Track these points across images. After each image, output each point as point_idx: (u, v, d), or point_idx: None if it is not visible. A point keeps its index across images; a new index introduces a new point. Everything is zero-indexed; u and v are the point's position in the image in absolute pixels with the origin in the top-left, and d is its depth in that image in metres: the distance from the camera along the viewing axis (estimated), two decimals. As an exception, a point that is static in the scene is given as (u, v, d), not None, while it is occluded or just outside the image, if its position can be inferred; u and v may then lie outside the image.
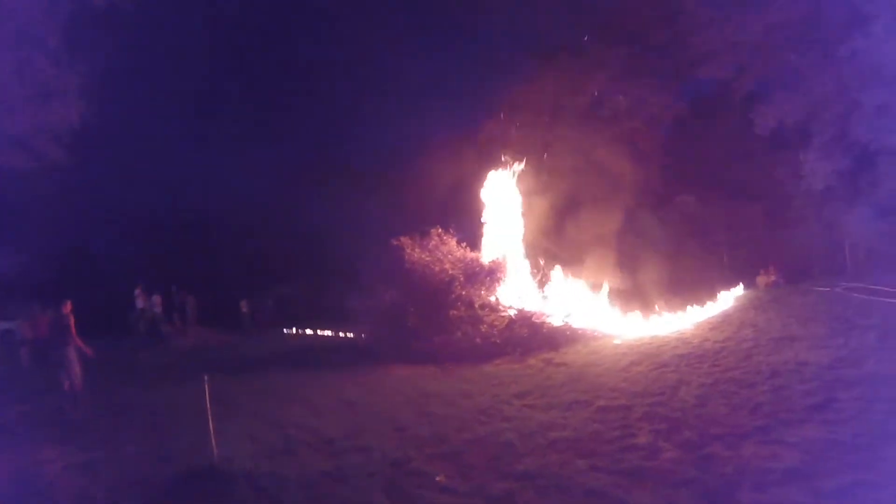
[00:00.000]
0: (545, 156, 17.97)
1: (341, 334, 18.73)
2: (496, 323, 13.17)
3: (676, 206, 17.71)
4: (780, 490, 4.02)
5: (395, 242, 14.55)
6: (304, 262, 31.16)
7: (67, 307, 9.87)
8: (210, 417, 6.27)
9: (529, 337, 12.30)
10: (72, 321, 9.84)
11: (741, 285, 16.01)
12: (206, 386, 6.48)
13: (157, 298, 22.72)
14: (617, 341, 11.73)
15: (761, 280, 17.46)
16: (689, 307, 14.43)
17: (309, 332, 21.07)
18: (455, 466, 5.42)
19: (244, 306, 28.55)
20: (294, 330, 22.15)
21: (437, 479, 5.15)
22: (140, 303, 22.33)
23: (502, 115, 17.92)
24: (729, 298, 14.73)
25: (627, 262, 16.86)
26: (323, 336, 19.78)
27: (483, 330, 12.85)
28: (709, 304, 14.55)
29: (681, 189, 18.33)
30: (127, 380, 12.78)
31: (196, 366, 6.89)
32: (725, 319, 11.74)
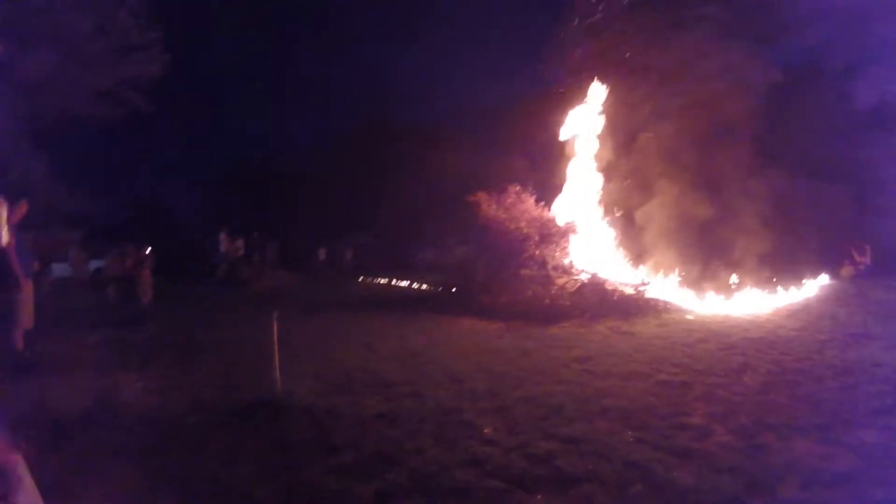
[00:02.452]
0: (628, 117, 17.37)
1: (413, 285, 19.03)
2: (567, 285, 13.11)
3: (763, 179, 16.80)
4: (827, 492, 3.91)
5: (471, 198, 14.58)
6: (383, 213, 31.69)
7: (145, 249, 11.10)
8: (277, 353, 6.55)
9: (599, 303, 12.19)
10: (149, 261, 10.91)
11: (824, 273, 15.29)
12: (275, 324, 6.76)
13: (239, 243, 23.69)
14: (689, 316, 11.51)
15: (846, 271, 16.61)
16: (768, 290, 13.94)
17: (383, 281, 21.49)
18: (504, 421, 5.51)
19: (322, 254, 29.41)
20: (368, 279, 22.64)
21: (485, 431, 5.26)
22: (223, 247, 23.32)
23: (584, 72, 17.34)
24: (810, 286, 14.14)
25: (708, 235, 16.29)
26: (396, 286, 20.14)
27: (553, 291, 12.82)
28: (789, 289, 14.00)
29: (769, 162, 17.37)
30: (204, 317, 13.49)
31: (270, 306, 7.16)
32: (804, 308, 11.32)
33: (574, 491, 3.98)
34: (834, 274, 16.08)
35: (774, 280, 14.50)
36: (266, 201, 34.77)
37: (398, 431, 5.35)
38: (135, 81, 15.65)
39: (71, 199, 17.74)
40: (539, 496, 3.91)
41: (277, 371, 6.44)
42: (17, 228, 7.99)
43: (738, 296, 13.78)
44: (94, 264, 22.29)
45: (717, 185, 16.92)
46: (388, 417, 5.76)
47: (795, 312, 11.05)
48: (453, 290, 14.77)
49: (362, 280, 22.53)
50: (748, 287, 14.33)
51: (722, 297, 13.71)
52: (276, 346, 6.56)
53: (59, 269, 20.95)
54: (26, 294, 8.04)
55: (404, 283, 19.86)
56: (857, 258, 16.73)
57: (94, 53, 14.87)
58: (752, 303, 13.07)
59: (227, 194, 35.43)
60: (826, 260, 16.42)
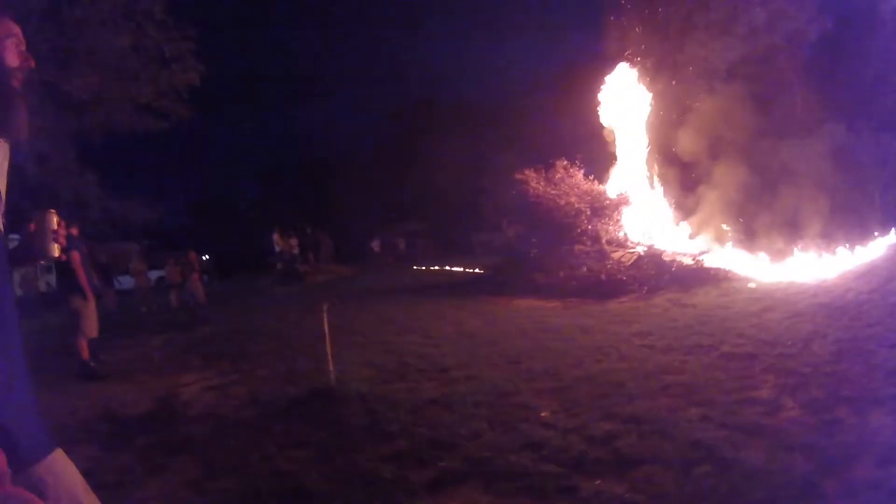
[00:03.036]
0: (674, 81, 16.76)
1: (468, 269, 18.96)
2: (623, 259, 12.83)
3: (822, 135, 15.96)
4: (905, 469, 3.64)
5: (518, 176, 14.37)
6: (433, 200, 31.64)
7: (192, 255, 11.72)
8: (330, 343, 6.56)
9: (657, 275, 11.89)
10: (197, 265, 11.42)
11: (894, 231, 14.50)
12: (325, 315, 6.78)
13: (293, 241, 24.06)
14: (751, 285, 11.09)
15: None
16: (834, 251, 13.32)
17: (437, 267, 21.48)
18: (561, 402, 5.37)
19: (376, 245, 29.65)
20: (423, 266, 22.67)
21: (542, 413, 5.13)
22: (278, 246, 23.73)
23: (628, 35, 16.78)
24: (879, 245, 13.42)
25: (768, 197, 15.63)
26: (451, 271, 20.10)
27: (608, 266, 12.57)
28: (857, 249, 13.33)
29: (827, 117, 16.51)
30: (263, 310, 13.72)
31: (325, 298, 7.21)
32: (873, 269, 10.72)
33: (635, 473, 3.81)
34: None
35: (841, 241, 13.84)
36: (317, 194, 35.14)
37: (453, 416, 5.28)
38: (173, 92, 16.10)
39: (126, 211, 18.29)
40: (598, 481, 3.76)
41: (331, 362, 6.44)
42: (78, 241, 8.30)
43: (802, 260, 13.22)
44: (154, 274, 23.02)
45: (774, 145, 16.21)
46: (443, 402, 5.69)
47: (864, 274, 10.48)
48: (508, 270, 14.63)
49: (417, 268, 22.58)
50: (813, 250, 13.72)
51: (786, 262, 13.17)
52: (327, 338, 6.57)
53: (123, 282, 21.73)
54: (90, 305, 8.37)
55: (459, 268, 19.81)
56: None
57: (132, 69, 15.38)
58: (818, 266, 12.51)
59: (278, 189, 35.96)
60: (893, 215, 15.55)
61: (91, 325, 8.46)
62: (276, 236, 23.62)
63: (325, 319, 6.77)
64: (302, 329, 10.50)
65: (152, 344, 11.19)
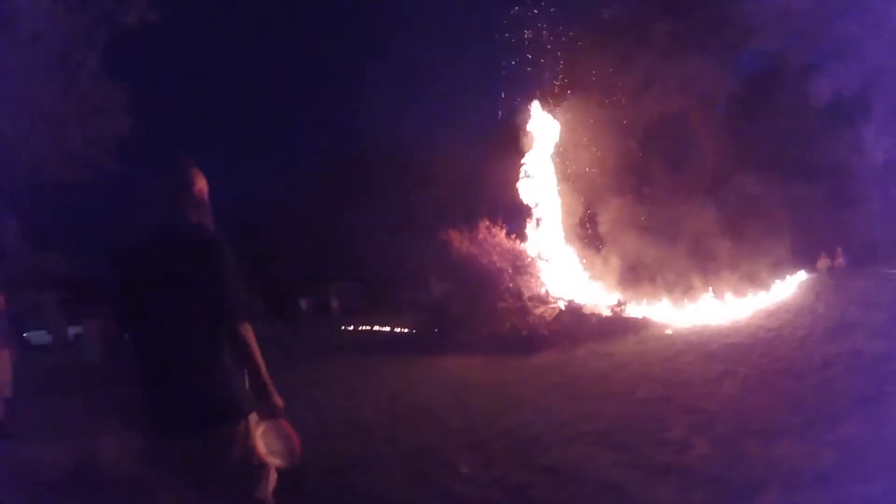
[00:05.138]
0: (592, 138, 17.49)
1: (395, 328, 18.86)
2: (545, 314, 13.00)
3: (734, 186, 16.92)
4: (808, 493, 3.78)
5: (442, 236, 14.54)
6: (361, 258, 31.52)
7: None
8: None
9: (578, 328, 12.08)
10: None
11: (802, 270, 15.34)
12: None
13: None
14: (668, 331, 11.42)
15: (822, 264, 16.70)
16: (747, 293, 13.93)
17: (365, 327, 21.29)
18: (481, 457, 5.34)
19: (304, 304, 29.23)
20: (350, 326, 22.44)
21: (462, 470, 5.09)
22: None
23: (548, 99, 17.47)
24: (789, 284, 14.15)
25: (683, 247, 16.31)
26: (378, 330, 19.97)
27: (530, 321, 12.70)
28: (769, 289, 14.01)
29: (737, 168, 17.55)
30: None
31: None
32: (783, 306, 11.29)
33: (549, 520, 3.83)
34: (811, 268, 16.14)
35: (752, 283, 14.51)
36: (245, 256, 34.47)
37: (372, 477, 5.17)
38: (100, 142, 15.76)
39: (45, 261, 17.45)
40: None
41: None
42: None
43: (716, 304, 13.75)
44: (72, 330, 21.81)
45: (686, 197, 17.03)
46: (362, 463, 5.57)
47: (774, 311, 11.02)
48: (433, 329, 14.61)
49: (344, 327, 22.32)
50: (726, 293, 14.31)
51: (700, 307, 13.66)
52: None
53: (37, 337, 20.52)
54: (3, 362, 7.87)
55: (386, 328, 19.68)
56: (832, 262, 16.83)
57: (62, 114, 15.03)
58: (731, 308, 13.04)
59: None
60: (802, 256, 16.50)
61: (4, 383, 7.92)
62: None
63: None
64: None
65: (70, 403, 10.53)
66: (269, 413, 2.66)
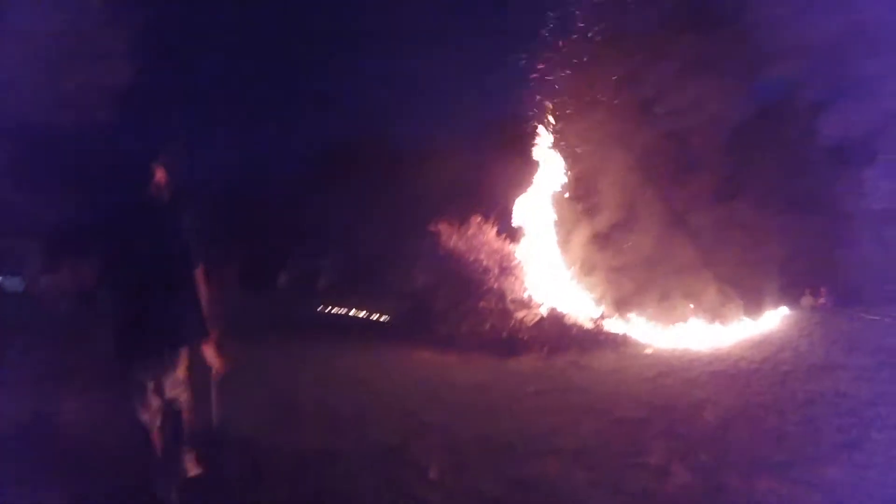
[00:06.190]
0: (591, 148, 17.28)
1: (374, 315, 18.66)
2: (526, 319, 12.85)
3: (729, 211, 16.78)
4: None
5: (432, 228, 14.34)
6: (346, 241, 31.18)
7: None
8: (216, 384, 6.14)
9: (558, 337, 11.93)
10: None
11: (787, 305, 15.27)
12: (209, 356, 6.38)
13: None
14: (649, 350, 11.30)
15: (807, 301, 16.61)
16: (731, 322, 13.85)
17: (343, 309, 21.05)
18: (452, 461, 5.16)
19: (282, 278, 28.92)
20: (329, 306, 22.17)
21: (431, 475, 4.91)
22: None
23: (551, 105, 17.24)
24: (774, 317, 14.07)
25: (670, 267, 16.18)
26: (356, 316, 19.74)
27: (511, 325, 12.55)
28: (753, 320, 13.93)
29: (736, 195, 17.40)
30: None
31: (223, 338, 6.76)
32: (766, 339, 11.17)
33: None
34: (794, 304, 16.05)
35: (735, 311, 14.41)
36: (230, 231, 34.07)
37: (338, 470, 4.99)
38: (97, 88, 15.22)
39: (27, 205, 16.81)
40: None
41: (214, 404, 6.01)
42: None
43: (699, 328, 13.65)
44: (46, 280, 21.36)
45: (680, 218, 16.86)
46: (329, 455, 5.37)
47: (757, 343, 10.88)
48: (413, 320, 14.42)
49: (322, 308, 22.06)
50: (710, 319, 14.22)
51: (683, 330, 13.57)
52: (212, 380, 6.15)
53: (11, 283, 20.06)
54: None
55: (366, 313, 19.46)
56: (815, 300, 16.77)
57: (59, 55, 14.46)
58: (714, 335, 12.94)
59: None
60: (786, 291, 16.41)
61: None
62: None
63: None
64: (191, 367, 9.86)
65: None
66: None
